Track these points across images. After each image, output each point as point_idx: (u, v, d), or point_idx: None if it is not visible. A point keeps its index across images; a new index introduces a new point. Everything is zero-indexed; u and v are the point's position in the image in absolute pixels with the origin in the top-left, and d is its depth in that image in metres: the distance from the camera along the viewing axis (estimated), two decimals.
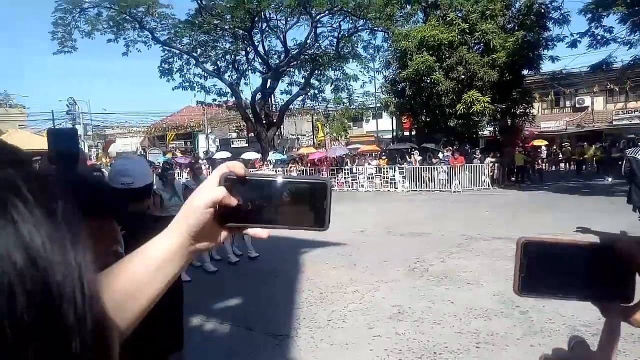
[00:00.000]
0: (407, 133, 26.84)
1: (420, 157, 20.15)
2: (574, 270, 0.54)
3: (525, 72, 21.97)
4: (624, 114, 29.80)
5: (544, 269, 0.55)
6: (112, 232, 1.15)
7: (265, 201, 0.61)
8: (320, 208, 0.61)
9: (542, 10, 20.05)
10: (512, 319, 4.61)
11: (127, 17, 20.93)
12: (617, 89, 28.78)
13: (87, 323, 0.31)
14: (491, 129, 24.08)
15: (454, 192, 17.70)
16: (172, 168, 6.53)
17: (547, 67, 22.72)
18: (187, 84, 23.73)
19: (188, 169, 8.68)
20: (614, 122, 29.52)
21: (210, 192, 0.61)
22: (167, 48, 22.87)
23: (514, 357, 3.88)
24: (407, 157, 20.93)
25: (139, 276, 0.61)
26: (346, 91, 24.51)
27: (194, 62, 23.14)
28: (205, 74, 23.63)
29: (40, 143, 12.58)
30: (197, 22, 21.72)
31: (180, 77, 23.64)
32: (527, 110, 22.43)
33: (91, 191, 1.03)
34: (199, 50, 22.99)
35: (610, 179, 18.24)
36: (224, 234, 0.64)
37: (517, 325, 4.48)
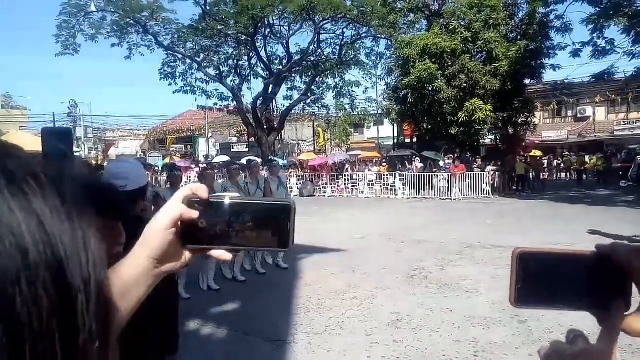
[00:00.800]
0: (408, 140, 26.86)
1: (421, 165, 20.15)
2: (571, 280, 0.54)
3: (527, 81, 22.03)
4: (626, 124, 29.82)
5: (540, 280, 0.54)
6: (117, 234, 1.15)
7: (228, 223, 0.61)
8: (284, 229, 0.61)
9: (545, 20, 20.14)
10: (511, 327, 4.58)
11: (131, 22, 21.04)
12: (619, 100, 28.82)
13: (91, 287, 0.34)
14: (492, 137, 24.10)
15: (455, 199, 17.67)
16: (179, 170, 6.43)
17: (549, 76, 22.79)
18: (189, 88, 23.81)
19: (198, 174, 8.46)
20: (616, 133, 29.54)
21: (168, 211, 0.60)
22: (171, 52, 22.96)
23: None
24: (407, 164, 20.93)
25: (118, 292, 0.59)
26: (348, 97, 24.55)
27: (197, 66, 23.22)
28: (208, 79, 23.71)
29: (41, 145, 12.58)
30: (201, 27, 21.82)
31: (182, 81, 23.72)
32: (529, 119, 22.47)
33: (102, 193, 1.05)
34: (202, 55, 23.06)
35: (624, 184, 18.25)
36: (187, 255, 0.64)
37: (516, 334, 4.44)
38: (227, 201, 0.62)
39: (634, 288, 0.52)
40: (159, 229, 0.60)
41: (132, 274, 0.61)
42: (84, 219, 0.35)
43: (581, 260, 0.54)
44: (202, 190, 0.61)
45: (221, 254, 0.63)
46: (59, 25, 20.50)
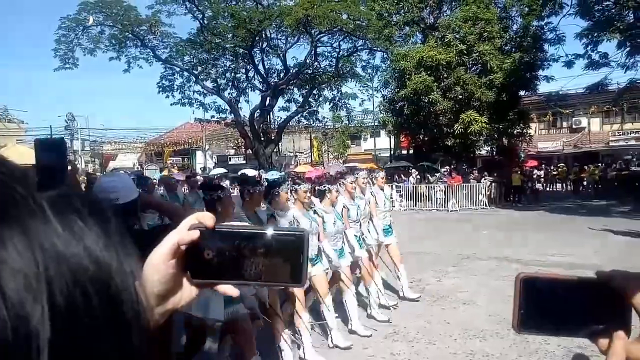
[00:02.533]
0: (405, 152, 26.98)
1: (418, 176, 20.22)
2: (572, 307, 0.54)
3: (522, 92, 22.24)
4: (620, 135, 30.05)
5: (543, 306, 0.54)
6: None
7: (236, 255, 0.56)
8: (296, 262, 0.56)
9: (539, 33, 20.42)
10: (508, 339, 4.58)
11: (130, 35, 21.20)
12: (615, 110, 29.05)
13: (142, 320, 0.35)
14: (488, 148, 24.25)
15: (451, 211, 17.71)
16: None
17: (544, 87, 23.05)
18: (187, 100, 23.91)
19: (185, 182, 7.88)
20: (611, 143, 29.75)
21: (165, 241, 0.55)
22: (168, 65, 23.10)
23: None
24: (403, 175, 20.99)
25: None
26: (345, 109, 24.69)
27: (194, 79, 23.35)
28: (205, 91, 23.83)
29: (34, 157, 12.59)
30: (198, 40, 22.00)
31: (179, 93, 23.83)
32: (524, 130, 22.63)
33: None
34: (199, 68, 23.21)
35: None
36: (194, 290, 0.59)
37: (513, 346, 4.44)
38: (234, 231, 0.57)
39: (635, 314, 0.53)
40: (157, 262, 0.56)
41: None
42: (129, 252, 0.36)
43: (582, 286, 0.55)
44: (207, 219, 0.56)
45: (228, 289, 0.58)
46: (57, 40, 20.64)
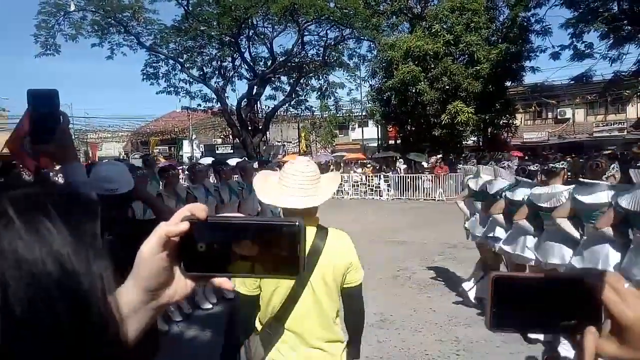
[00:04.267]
0: (392, 142, 27.06)
1: (405, 166, 20.31)
2: (545, 305, 0.55)
3: (508, 83, 22.40)
4: (604, 126, 30.49)
5: (515, 304, 0.55)
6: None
7: (230, 246, 0.54)
8: (292, 252, 0.54)
9: (525, 23, 20.52)
10: None
11: (112, 22, 20.76)
12: (599, 101, 29.43)
13: (110, 325, 0.34)
14: (475, 138, 24.43)
15: (439, 200, 17.84)
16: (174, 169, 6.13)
17: (529, 78, 23.24)
18: (172, 88, 23.60)
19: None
20: (594, 134, 30.18)
21: (153, 234, 0.54)
22: (153, 53, 22.72)
23: None
24: (392, 165, 21.07)
25: None
26: (332, 98, 24.61)
27: (180, 67, 23.03)
28: (191, 80, 23.53)
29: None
30: (183, 28, 21.64)
31: (165, 81, 23.50)
32: (510, 121, 22.83)
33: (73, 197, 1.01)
34: (184, 56, 22.87)
35: None
36: (189, 283, 0.57)
37: (497, 332, 4.50)
38: (228, 222, 0.56)
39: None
40: (146, 255, 0.54)
41: (124, 308, 0.54)
42: (100, 256, 0.35)
43: (554, 284, 0.55)
44: (199, 210, 0.55)
45: (222, 282, 0.56)
46: (37, 25, 20.12)
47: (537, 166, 4.63)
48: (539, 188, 4.14)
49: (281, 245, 0.54)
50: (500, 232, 4.67)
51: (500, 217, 4.57)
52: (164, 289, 0.56)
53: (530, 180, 4.47)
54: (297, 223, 0.55)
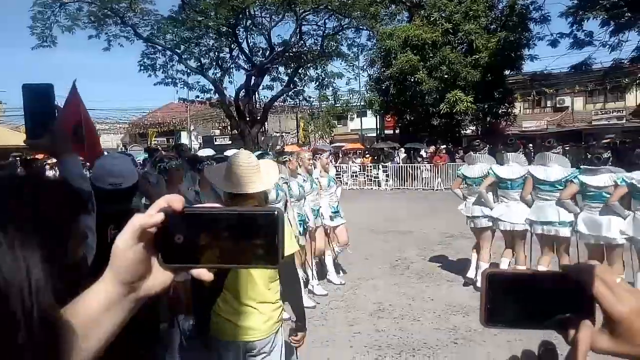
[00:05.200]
0: (391, 132, 27.01)
1: (404, 155, 20.30)
2: (538, 301, 0.55)
3: (507, 72, 22.31)
4: (603, 114, 30.43)
5: (509, 300, 0.56)
6: (79, 232, 1.12)
7: (208, 237, 0.54)
8: (271, 243, 0.54)
9: (524, 11, 20.39)
10: None
11: (109, 13, 20.59)
12: (598, 89, 29.35)
13: (34, 317, 0.33)
14: (474, 128, 24.39)
15: (437, 190, 17.86)
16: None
17: (528, 67, 23.16)
18: (170, 80, 23.46)
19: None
20: (593, 122, 30.12)
21: (127, 226, 0.53)
22: (150, 44, 22.56)
23: (490, 352, 3.95)
24: (390, 155, 21.06)
25: (84, 323, 0.55)
26: (331, 88, 24.49)
27: (177, 58, 22.88)
28: (189, 71, 23.40)
29: (17, 139, 12.33)
30: (180, 18, 21.47)
31: (162, 73, 23.36)
32: (509, 110, 22.78)
33: (50, 194, 1.00)
34: (182, 47, 22.70)
35: None
36: (169, 275, 0.57)
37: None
38: (204, 212, 0.56)
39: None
40: (121, 248, 0.53)
41: (101, 302, 0.55)
42: (28, 246, 0.34)
43: (547, 280, 0.56)
44: (176, 201, 0.54)
45: (201, 273, 0.55)
46: (33, 17, 19.95)
47: (609, 153, 5.03)
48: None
49: (259, 235, 0.54)
50: (566, 216, 4.91)
51: (569, 202, 4.91)
52: (142, 282, 0.56)
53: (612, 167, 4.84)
54: (274, 212, 0.54)
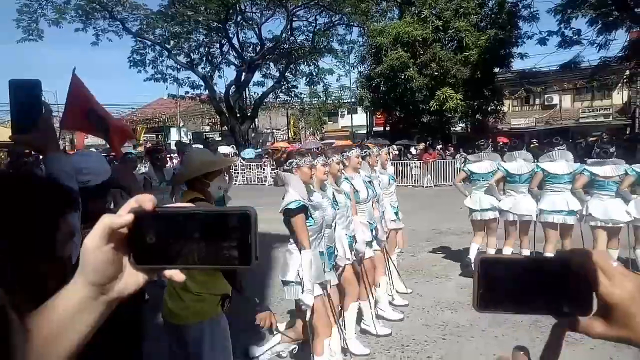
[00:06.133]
0: (381, 129, 27.07)
1: (395, 152, 20.36)
2: (532, 286, 0.55)
3: (496, 69, 22.46)
4: (590, 112, 30.79)
5: (502, 285, 0.55)
6: (67, 228, 1.10)
7: (180, 238, 0.53)
8: (244, 242, 0.53)
9: (514, 9, 20.52)
10: None
11: (97, 7, 20.34)
12: (586, 87, 29.67)
13: None
14: (463, 125, 24.54)
15: (427, 187, 17.96)
16: (162, 152, 6.05)
17: (517, 65, 23.34)
18: (160, 75, 23.28)
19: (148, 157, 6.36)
20: (581, 120, 30.46)
21: (96, 226, 0.52)
22: (139, 39, 22.34)
23: (478, 347, 3.99)
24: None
25: (54, 326, 0.54)
26: (321, 84, 24.49)
27: (167, 53, 22.69)
28: (178, 66, 23.23)
29: (2, 135, 12.14)
30: (170, 13, 21.29)
31: (152, 68, 23.17)
32: (498, 107, 22.95)
33: (32, 191, 0.97)
34: (171, 42, 22.53)
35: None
36: (141, 276, 0.56)
37: (482, 316, 4.59)
38: (176, 212, 0.55)
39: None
40: (89, 249, 0.52)
41: (71, 304, 0.54)
42: None
43: (541, 265, 0.56)
44: (146, 201, 0.53)
45: (173, 274, 0.55)
46: (19, 9, 19.65)
47: (613, 148, 5.79)
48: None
49: (232, 234, 0.53)
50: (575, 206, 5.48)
51: (581, 191, 5.50)
52: (113, 283, 0.55)
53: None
54: (248, 211, 0.53)
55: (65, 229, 0.99)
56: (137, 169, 6.95)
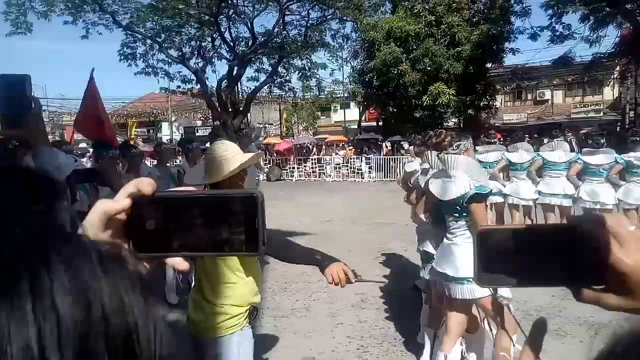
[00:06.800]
0: (374, 124, 27.09)
1: (388, 148, 20.43)
2: (539, 257, 0.51)
3: (488, 65, 22.52)
4: (582, 107, 31.05)
5: (504, 257, 0.52)
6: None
7: (182, 224, 0.50)
8: (250, 228, 0.49)
9: (506, 4, 20.56)
10: None
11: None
12: (577, 83, 29.88)
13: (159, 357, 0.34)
14: (456, 120, 24.62)
15: None
16: (192, 144, 6.16)
17: (509, 60, 23.40)
18: (150, 69, 23.04)
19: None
20: (572, 115, 30.71)
21: (91, 213, 0.49)
22: (130, 32, 22.09)
23: None
24: (373, 147, 21.14)
25: None
26: (315, 79, 24.38)
27: (158, 47, 22.47)
28: (170, 60, 23.01)
29: None
30: (161, 6, 21.04)
31: (143, 62, 22.93)
32: (490, 102, 23.03)
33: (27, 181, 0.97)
34: (162, 36, 22.29)
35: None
36: (141, 266, 0.52)
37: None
38: (177, 196, 0.51)
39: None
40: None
41: None
42: (151, 295, 0.36)
43: (549, 234, 0.52)
44: (145, 185, 0.50)
45: (177, 262, 0.52)
46: (7, 2, 19.32)
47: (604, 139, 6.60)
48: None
49: (238, 219, 0.49)
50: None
51: (574, 177, 6.25)
52: None
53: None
54: (254, 194, 0.50)
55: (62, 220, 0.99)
56: (142, 162, 6.95)
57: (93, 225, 0.49)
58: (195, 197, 0.51)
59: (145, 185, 0.50)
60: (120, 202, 0.49)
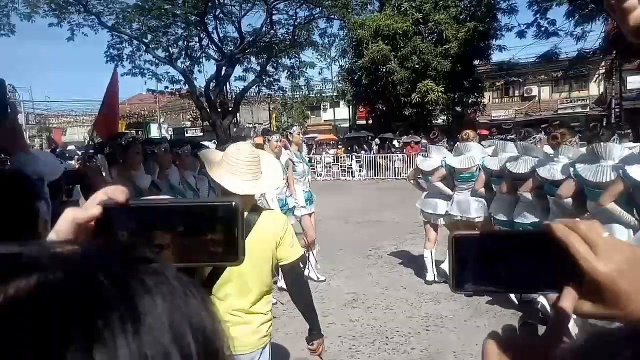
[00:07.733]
0: (364, 122, 27.14)
1: (377, 146, 20.48)
2: (515, 263, 0.50)
3: (476, 62, 22.67)
4: (568, 103, 31.36)
5: (479, 264, 0.51)
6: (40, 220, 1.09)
7: (157, 233, 0.48)
8: (230, 237, 0.48)
9: (492, 2, 20.71)
10: (460, 301, 4.79)
11: (71, 0, 19.82)
12: (563, 79, 30.18)
13: None
14: (444, 117, 24.76)
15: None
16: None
17: (497, 56, 23.59)
18: (138, 70, 22.83)
19: None
20: (559, 111, 31.01)
21: (60, 220, 0.47)
22: (116, 33, 21.87)
23: (461, 337, 4.04)
24: (364, 146, 21.18)
25: None
26: (303, 77, 24.32)
27: (144, 48, 22.27)
28: (157, 61, 22.82)
29: None
30: (147, 6, 20.85)
31: (129, 63, 22.71)
32: (478, 99, 23.19)
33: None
34: (149, 36, 22.10)
35: None
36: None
37: (464, 307, 4.65)
38: (151, 205, 0.50)
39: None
40: None
41: None
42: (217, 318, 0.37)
43: (524, 240, 0.51)
44: (118, 193, 0.48)
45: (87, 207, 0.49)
46: None
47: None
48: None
49: (216, 229, 0.48)
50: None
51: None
52: None
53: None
54: (232, 203, 0.49)
55: (42, 218, 0.99)
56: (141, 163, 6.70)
57: (60, 233, 0.47)
58: (171, 205, 0.50)
59: (118, 192, 0.48)
60: (90, 210, 0.47)
